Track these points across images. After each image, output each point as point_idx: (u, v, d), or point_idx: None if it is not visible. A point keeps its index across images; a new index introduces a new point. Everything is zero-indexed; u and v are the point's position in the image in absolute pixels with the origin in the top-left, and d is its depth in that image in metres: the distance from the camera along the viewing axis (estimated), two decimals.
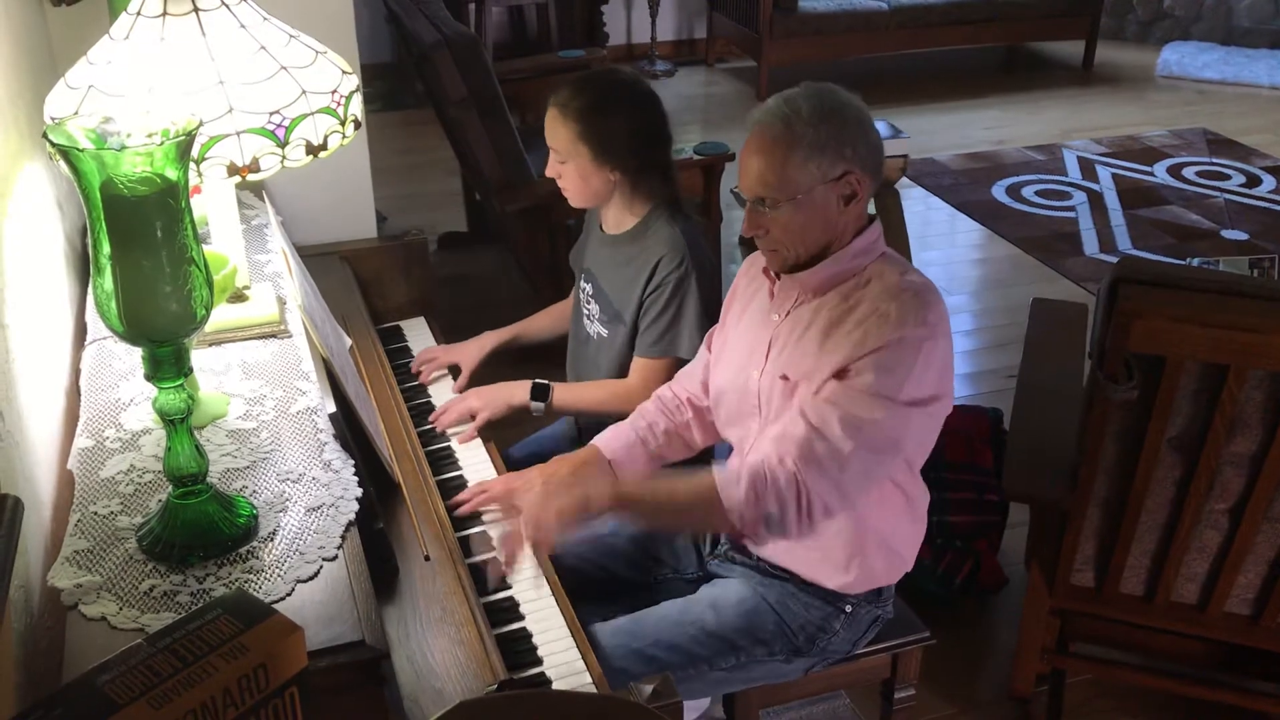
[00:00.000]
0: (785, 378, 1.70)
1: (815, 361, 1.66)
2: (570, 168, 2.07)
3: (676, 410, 1.97)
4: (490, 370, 2.33)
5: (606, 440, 1.95)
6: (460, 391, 2.23)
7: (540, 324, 2.45)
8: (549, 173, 2.12)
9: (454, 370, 2.32)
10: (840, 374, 1.63)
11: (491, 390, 2.16)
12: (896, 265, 1.70)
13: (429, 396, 2.25)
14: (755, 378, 1.76)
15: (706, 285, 2.08)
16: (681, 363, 2.08)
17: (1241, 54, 6.84)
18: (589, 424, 2.27)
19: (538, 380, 2.15)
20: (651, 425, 1.96)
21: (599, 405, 2.16)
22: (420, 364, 2.31)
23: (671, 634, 1.78)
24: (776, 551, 1.82)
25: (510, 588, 1.66)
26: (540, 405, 2.15)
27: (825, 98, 1.65)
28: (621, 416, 2.09)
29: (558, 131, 2.05)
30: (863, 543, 1.76)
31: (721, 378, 1.86)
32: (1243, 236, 4.67)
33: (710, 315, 2.05)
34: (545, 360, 2.58)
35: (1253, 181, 5.20)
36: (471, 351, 2.32)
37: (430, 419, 2.15)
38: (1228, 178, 5.25)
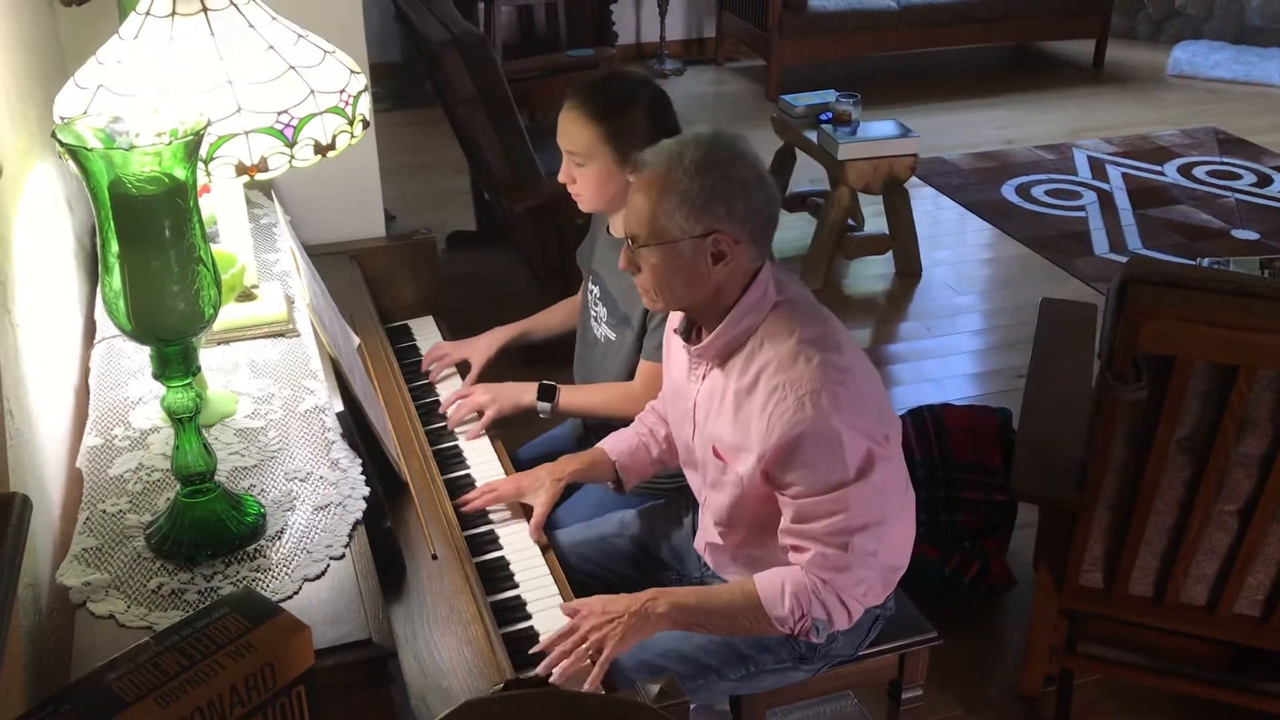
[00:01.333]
0: (717, 453, 1.71)
1: (734, 438, 1.66)
2: (590, 171, 2.05)
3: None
4: (500, 367, 2.33)
5: (613, 444, 1.97)
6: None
7: (549, 320, 2.45)
8: (562, 177, 2.10)
9: (463, 368, 2.32)
10: (772, 479, 1.62)
11: (500, 387, 2.16)
12: (788, 320, 1.63)
13: (437, 395, 2.25)
14: (691, 439, 1.78)
15: None
16: None
17: (1253, 53, 6.81)
18: (596, 425, 2.27)
19: (544, 381, 2.16)
20: (653, 431, 1.98)
21: (603, 407, 2.16)
22: (430, 361, 2.31)
23: (680, 644, 1.78)
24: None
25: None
26: (546, 406, 2.15)
27: (715, 151, 1.59)
28: (626, 418, 2.09)
29: (578, 133, 2.03)
30: None
31: (670, 419, 1.90)
32: (1254, 236, 4.65)
33: None
34: (555, 358, 2.59)
35: (1264, 181, 5.18)
36: (481, 348, 2.32)
37: (441, 409, 2.16)
38: (1239, 177, 5.23)
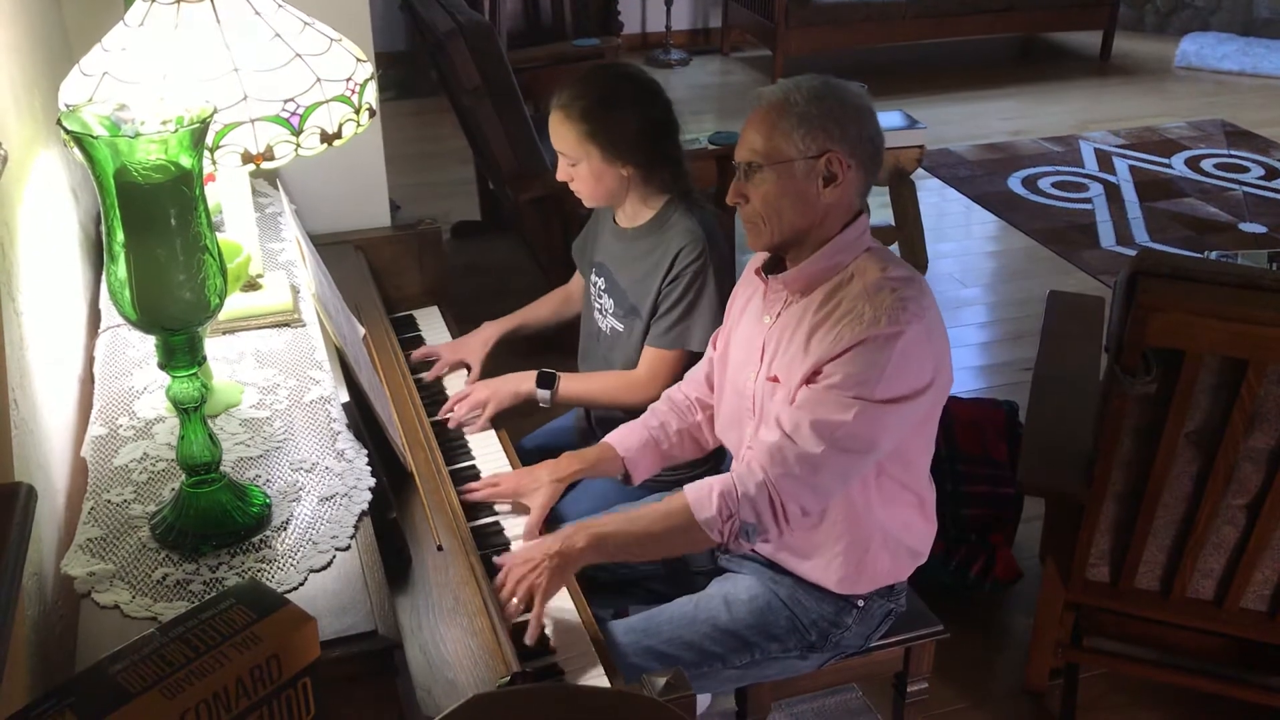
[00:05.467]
0: (774, 379, 1.70)
1: (800, 361, 1.65)
2: (581, 169, 2.06)
3: (688, 411, 1.97)
4: (502, 363, 2.32)
5: (620, 438, 1.95)
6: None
7: (540, 312, 2.44)
8: (560, 176, 2.10)
9: (461, 368, 2.30)
10: (813, 377, 1.62)
11: (498, 381, 2.15)
12: (879, 260, 1.67)
13: (443, 386, 2.25)
14: (750, 381, 1.76)
15: (724, 279, 2.07)
16: (692, 355, 2.07)
17: (1261, 45, 6.78)
18: (601, 416, 2.26)
19: (544, 369, 2.15)
20: (664, 424, 1.96)
21: (605, 395, 2.15)
22: (419, 358, 2.29)
23: (685, 632, 1.78)
24: (778, 555, 1.81)
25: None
26: (546, 394, 2.14)
27: (829, 83, 1.66)
28: (628, 407, 2.08)
29: (564, 134, 2.04)
30: (866, 544, 1.75)
31: (722, 380, 1.87)
32: (1261, 230, 4.63)
33: (724, 310, 2.03)
34: (559, 351, 2.58)
35: (1271, 174, 5.16)
36: (476, 347, 2.31)
37: (441, 413, 2.14)
38: (1246, 170, 5.21)
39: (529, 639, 1.57)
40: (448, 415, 2.12)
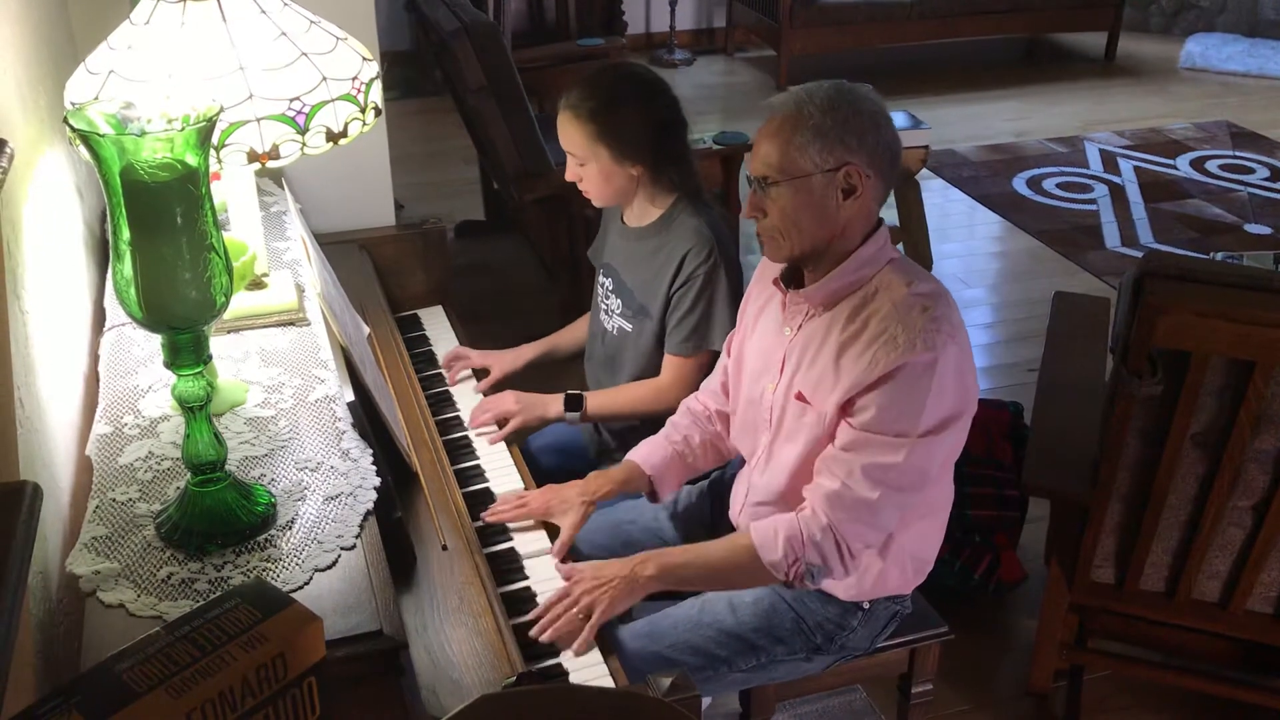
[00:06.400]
0: (801, 397, 1.69)
1: (831, 383, 1.64)
2: (591, 169, 2.06)
3: (707, 422, 1.96)
4: (516, 371, 2.32)
5: (645, 455, 1.93)
6: (483, 393, 2.22)
7: (574, 335, 2.42)
8: (568, 176, 2.10)
9: (480, 373, 2.29)
10: (850, 406, 1.61)
11: (530, 398, 2.14)
12: (904, 274, 1.65)
13: (446, 386, 2.25)
14: (769, 392, 1.75)
15: (735, 277, 2.07)
16: (715, 355, 2.06)
17: (1267, 46, 6.77)
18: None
19: (570, 391, 2.15)
20: (687, 438, 1.95)
21: (633, 406, 2.14)
22: (450, 360, 2.28)
23: (691, 636, 1.78)
24: None
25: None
26: (575, 415, 2.14)
27: (843, 91, 1.63)
28: (657, 415, 2.06)
29: (573, 134, 2.04)
30: (881, 559, 1.75)
31: (736, 387, 1.86)
32: (1266, 231, 4.63)
33: (739, 307, 2.03)
34: (569, 357, 2.57)
35: (1277, 175, 5.15)
36: (507, 359, 2.30)
37: (471, 416, 2.13)
38: (1251, 171, 5.20)
39: (576, 651, 1.59)
40: (475, 419, 2.11)
